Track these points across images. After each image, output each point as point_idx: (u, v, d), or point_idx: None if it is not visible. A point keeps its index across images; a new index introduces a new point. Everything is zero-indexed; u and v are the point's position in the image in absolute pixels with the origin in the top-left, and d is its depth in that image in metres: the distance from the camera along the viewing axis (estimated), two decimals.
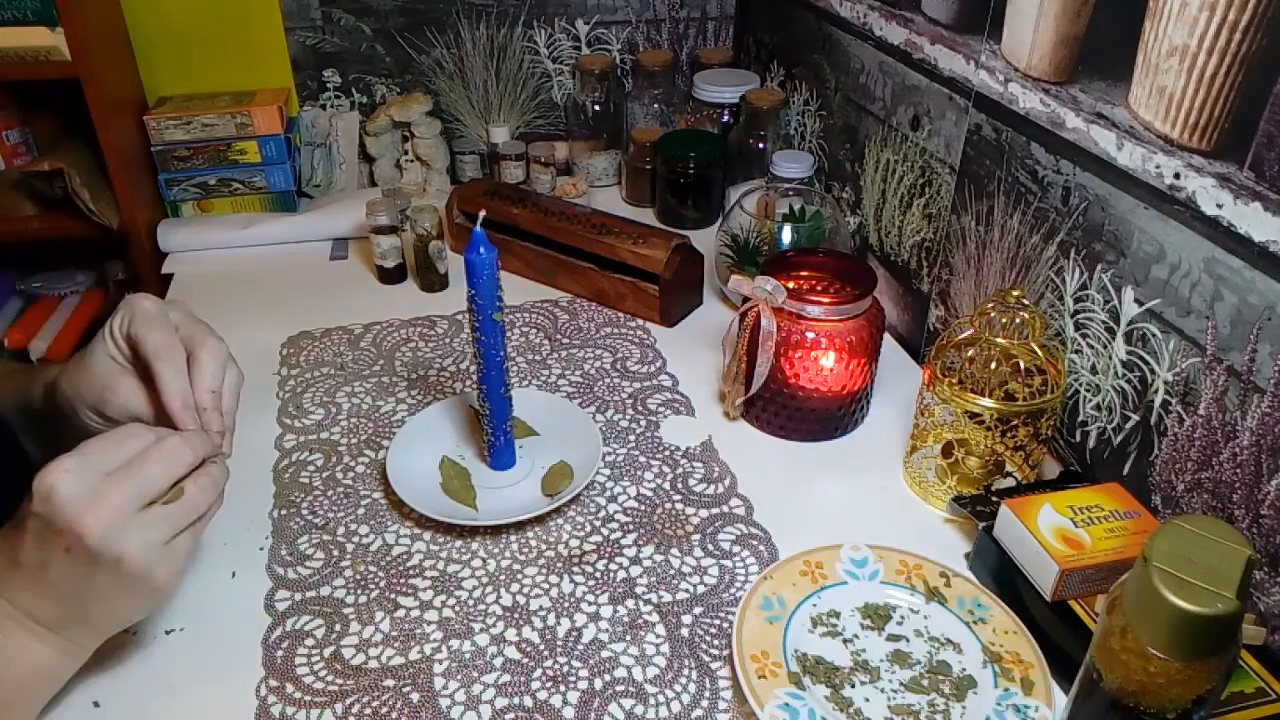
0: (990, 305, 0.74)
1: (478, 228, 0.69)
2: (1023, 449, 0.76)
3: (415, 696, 0.61)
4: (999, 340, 0.73)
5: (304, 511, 0.76)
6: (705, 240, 1.10)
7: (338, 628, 0.66)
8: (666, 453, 0.84)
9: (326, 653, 0.64)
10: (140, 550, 0.52)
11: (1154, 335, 0.68)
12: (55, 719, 0.59)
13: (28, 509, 0.51)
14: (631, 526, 0.75)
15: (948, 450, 0.81)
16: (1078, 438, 0.77)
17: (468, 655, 0.64)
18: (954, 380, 0.75)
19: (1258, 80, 0.57)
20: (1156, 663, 0.45)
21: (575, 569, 0.71)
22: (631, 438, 0.85)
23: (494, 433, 0.77)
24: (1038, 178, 0.78)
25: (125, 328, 0.61)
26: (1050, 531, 0.64)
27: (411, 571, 0.71)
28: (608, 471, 0.81)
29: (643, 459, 0.83)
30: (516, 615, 0.67)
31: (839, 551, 0.70)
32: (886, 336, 0.96)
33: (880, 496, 0.80)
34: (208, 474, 0.56)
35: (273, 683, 0.62)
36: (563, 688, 0.62)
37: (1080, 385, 0.76)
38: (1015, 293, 0.73)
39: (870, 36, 1.02)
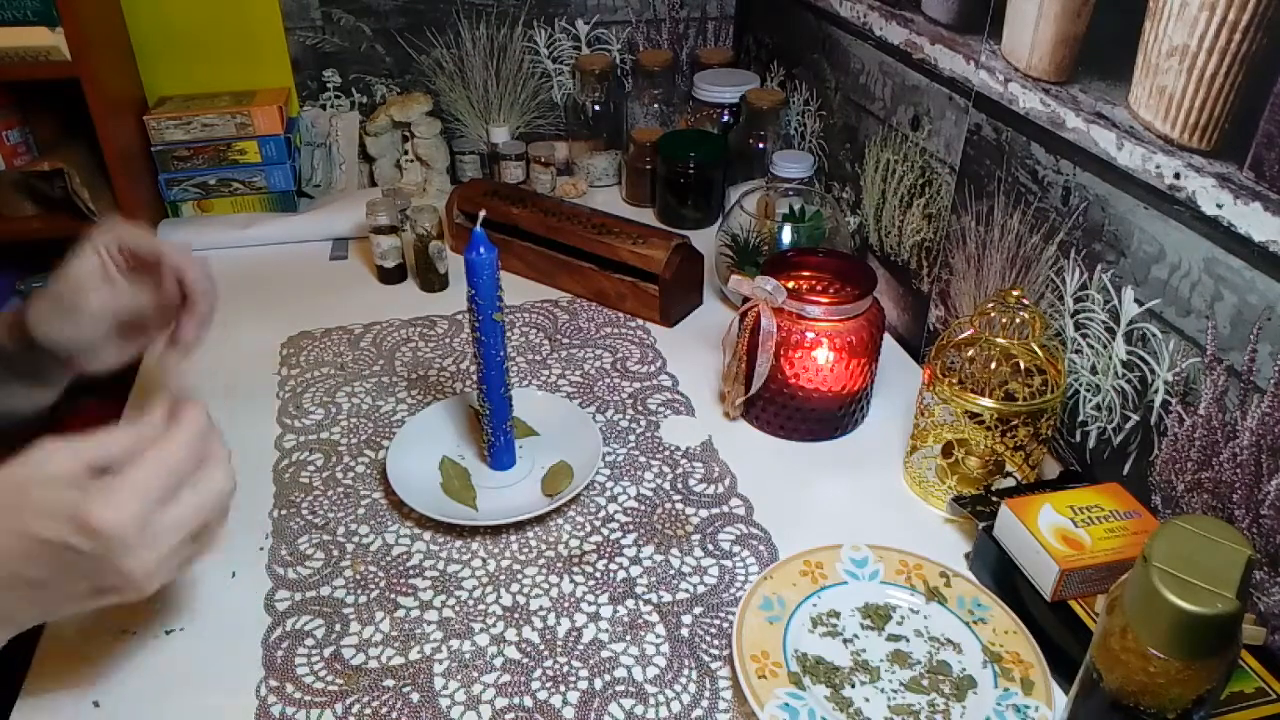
0: (990, 305, 0.74)
1: (478, 228, 0.69)
2: (1023, 449, 0.76)
3: (415, 696, 0.61)
4: (999, 340, 0.73)
5: (304, 511, 0.76)
6: (705, 240, 1.10)
7: (338, 628, 0.66)
8: (666, 453, 0.84)
9: (326, 653, 0.64)
10: (162, 576, 0.50)
11: (1154, 335, 0.68)
12: (55, 719, 0.59)
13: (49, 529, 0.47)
14: (631, 526, 0.75)
15: (948, 450, 0.81)
16: (1078, 438, 0.77)
17: (468, 655, 0.64)
18: (954, 380, 0.75)
19: (1258, 80, 0.57)
20: (1156, 663, 0.45)
21: (575, 569, 0.71)
22: (631, 438, 0.85)
23: (494, 433, 0.77)
24: (1038, 178, 0.78)
25: (117, 242, 0.68)
26: (1050, 531, 0.64)
27: (411, 571, 0.71)
28: (608, 471, 0.81)
29: (643, 459, 0.83)
30: (516, 615, 0.67)
31: (839, 551, 0.70)
32: (886, 336, 0.96)
33: (880, 496, 0.80)
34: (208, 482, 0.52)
35: (273, 683, 0.62)
36: (563, 688, 0.62)
37: (1080, 385, 0.76)
38: (1015, 293, 0.73)
39: (870, 36, 1.02)
